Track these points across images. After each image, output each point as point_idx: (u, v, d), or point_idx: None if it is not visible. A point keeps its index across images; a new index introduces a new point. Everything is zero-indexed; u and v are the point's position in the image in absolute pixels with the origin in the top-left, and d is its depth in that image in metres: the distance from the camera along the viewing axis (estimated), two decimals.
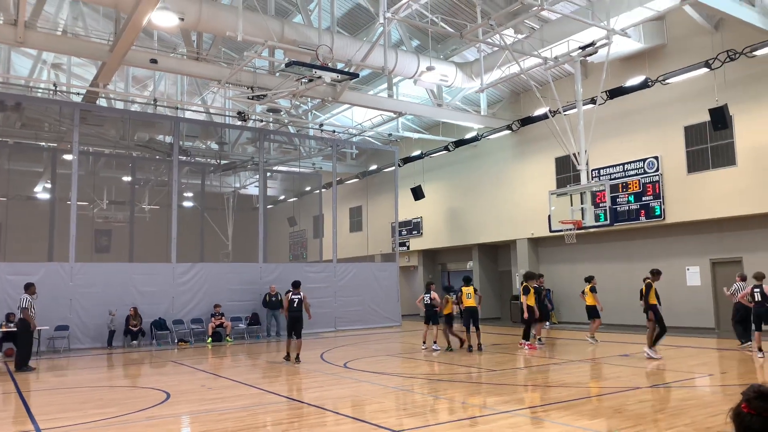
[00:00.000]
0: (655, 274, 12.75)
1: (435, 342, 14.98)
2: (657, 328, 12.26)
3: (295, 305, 13.37)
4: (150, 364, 14.29)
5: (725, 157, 16.70)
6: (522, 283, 15.14)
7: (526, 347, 14.32)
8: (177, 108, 23.05)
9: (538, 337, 15.25)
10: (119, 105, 22.46)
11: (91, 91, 18.00)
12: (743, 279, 13.86)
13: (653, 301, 12.35)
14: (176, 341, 17.93)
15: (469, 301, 14.49)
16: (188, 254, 22.84)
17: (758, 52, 14.95)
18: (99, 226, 27.71)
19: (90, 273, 17.62)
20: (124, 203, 27.84)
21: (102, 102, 21.34)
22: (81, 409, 8.57)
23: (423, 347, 15.10)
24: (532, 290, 14.74)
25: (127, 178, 27.40)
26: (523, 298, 14.63)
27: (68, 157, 20.90)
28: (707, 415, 7.24)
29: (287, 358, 13.43)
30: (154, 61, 15.64)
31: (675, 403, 8.24)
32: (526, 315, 14.50)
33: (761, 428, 2.01)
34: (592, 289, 15.60)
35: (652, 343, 12.25)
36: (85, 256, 20.70)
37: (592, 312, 15.58)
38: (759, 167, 15.94)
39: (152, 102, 19.38)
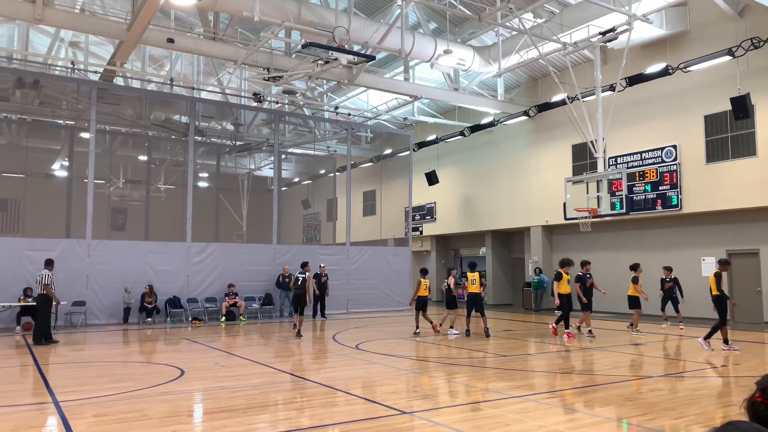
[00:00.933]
0: (723, 264, 12.15)
1: (452, 327, 15.05)
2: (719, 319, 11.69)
3: (299, 283, 14.47)
4: (164, 341, 14.49)
5: (746, 147, 16.45)
6: (557, 270, 14.65)
7: (565, 335, 13.73)
8: (193, 88, 23.11)
9: (588, 327, 14.40)
10: (136, 84, 22.57)
11: (109, 70, 18.08)
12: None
13: (716, 291, 11.81)
14: (190, 319, 18.16)
15: (474, 287, 14.39)
16: (203, 234, 23.04)
17: None
18: (115, 204, 27.98)
19: (106, 250, 17.84)
20: (140, 182, 28.07)
21: (119, 81, 21.46)
22: (96, 383, 8.72)
23: (454, 331, 15.00)
24: (565, 277, 14.07)
25: (143, 158, 27.58)
26: (555, 285, 14.06)
27: (85, 135, 21.10)
28: (719, 405, 7.21)
29: (298, 333, 14.38)
30: (170, 40, 15.66)
31: (686, 392, 8.21)
32: (557, 302, 14.03)
33: None
34: (634, 280, 14.74)
35: (708, 334, 11.75)
36: (101, 233, 20.95)
37: (633, 302, 14.79)
38: None
39: (168, 82, 19.45)
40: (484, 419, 6.61)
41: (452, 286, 15.43)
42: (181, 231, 19.54)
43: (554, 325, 14.30)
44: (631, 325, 14.82)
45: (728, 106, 15.45)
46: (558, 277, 14.14)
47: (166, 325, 17.47)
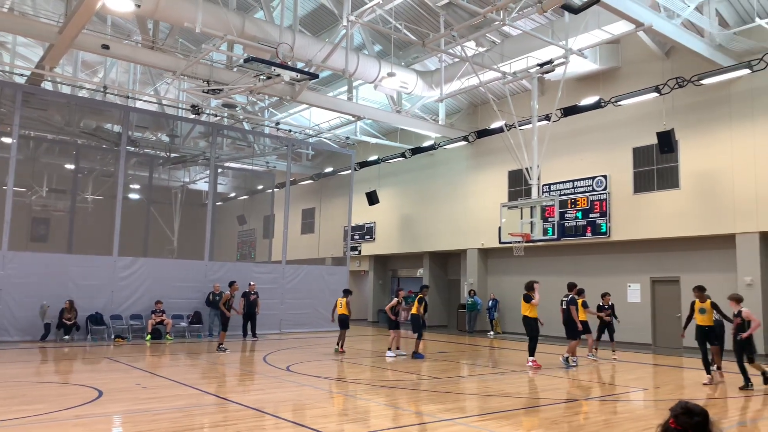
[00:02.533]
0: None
1: (398, 347, 14.93)
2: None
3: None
4: (83, 360, 13.70)
5: (670, 179, 17.31)
6: (568, 294, 13.95)
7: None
8: (128, 97, 22.32)
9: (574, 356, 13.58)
10: (66, 90, 21.58)
11: (36, 73, 17.24)
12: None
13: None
14: (113, 337, 17.28)
15: (413, 309, 14.83)
16: (131, 248, 22.12)
17: (705, 81, 15.57)
18: (37, 214, 26.54)
19: (23, 262, 16.80)
20: (65, 192, 26.74)
21: (47, 85, 20.46)
22: (4, 405, 8.09)
23: (402, 354, 14.83)
24: (580, 302, 13.72)
25: (70, 166, 26.34)
26: (573, 313, 13.46)
27: (7, 140, 19.92)
28: (639, 429, 7.40)
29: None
30: (105, 46, 15.08)
31: (608, 416, 8.40)
32: (580, 327, 13.59)
33: None
34: (584, 304, 14.15)
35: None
36: (19, 244, 19.76)
37: (584, 327, 14.01)
38: (700, 191, 16.59)
39: (102, 89, 18.72)
40: None
41: (397, 306, 15.19)
42: (108, 244, 18.66)
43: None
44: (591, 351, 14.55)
45: (655, 140, 16.25)
46: (573, 302, 13.67)
47: (87, 343, 16.56)
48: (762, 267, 15.58)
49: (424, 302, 14.99)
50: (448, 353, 16.16)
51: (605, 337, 14.95)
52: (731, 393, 10.33)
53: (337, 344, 15.69)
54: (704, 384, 10.79)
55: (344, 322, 15.79)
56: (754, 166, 15.59)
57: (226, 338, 15.88)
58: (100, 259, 18.29)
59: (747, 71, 14.92)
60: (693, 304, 11.14)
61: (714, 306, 11.04)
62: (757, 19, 14.59)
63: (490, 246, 22.30)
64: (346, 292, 16.30)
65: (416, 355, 14.45)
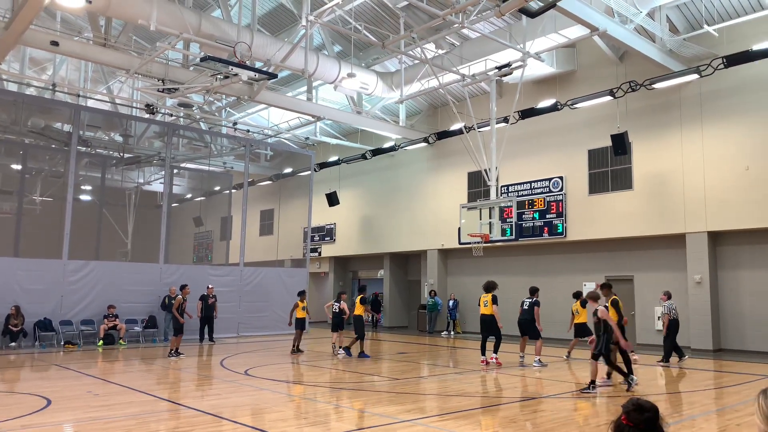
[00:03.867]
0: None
1: (341, 347, 15.07)
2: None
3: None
4: (30, 368, 13.16)
5: (623, 181, 17.76)
6: (531, 297, 13.86)
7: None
8: (78, 95, 21.57)
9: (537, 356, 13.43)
10: (12, 87, 20.75)
11: None
12: (669, 297, 13.79)
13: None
14: (62, 343, 16.67)
15: (357, 311, 15.02)
16: (82, 251, 21.37)
17: (657, 85, 16.04)
18: None
19: None
20: (11, 193, 25.67)
21: None
22: None
23: (339, 353, 15.04)
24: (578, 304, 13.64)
25: (16, 166, 25.33)
26: (537, 315, 13.48)
27: None
28: (594, 425, 7.53)
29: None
30: (55, 43, 14.54)
31: (565, 413, 8.53)
32: (541, 328, 13.61)
33: None
34: (582, 304, 13.70)
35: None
36: None
37: (584, 330, 13.60)
38: (652, 193, 17.08)
39: (50, 87, 18.05)
40: None
41: (344, 309, 15.51)
42: (57, 247, 17.99)
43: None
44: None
45: (609, 143, 16.64)
46: (537, 303, 13.69)
47: (34, 350, 15.93)
48: (710, 265, 16.13)
49: (366, 302, 15.56)
50: (408, 354, 16.18)
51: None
52: (682, 388, 10.63)
53: (294, 345, 15.66)
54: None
55: (302, 324, 15.87)
56: (702, 168, 16.13)
57: (182, 343, 15.52)
58: (48, 262, 17.61)
59: (696, 76, 15.44)
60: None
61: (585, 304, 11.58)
62: (705, 26, 15.12)
63: (450, 247, 22.45)
64: (301, 294, 16.22)
65: (362, 354, 14.77)
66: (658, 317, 14.70)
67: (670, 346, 13.57)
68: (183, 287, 16.17)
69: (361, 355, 14.76)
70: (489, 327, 13.37)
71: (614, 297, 10.68)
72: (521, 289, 20.15)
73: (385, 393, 10.03)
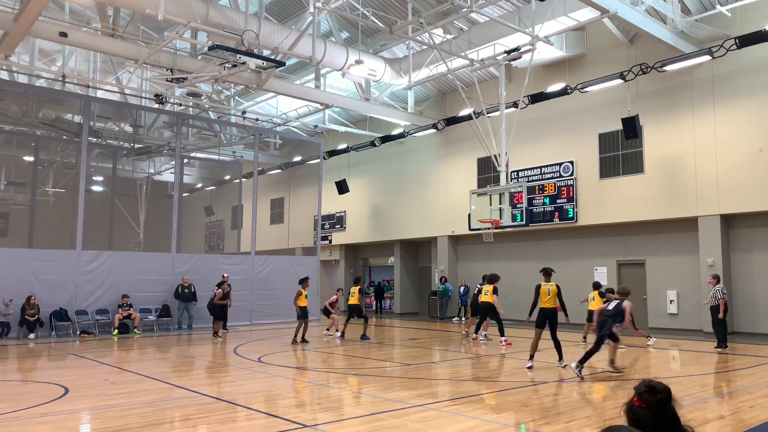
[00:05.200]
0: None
1: (337, 330, 16.50)
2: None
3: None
4: (48, 357, 13.36)
5: (634, 164, 17.62)
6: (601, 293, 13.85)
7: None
8: (88, 86, 21.68)
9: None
10: (23, 79, 20.87)
11: None
12: (718, 281, 13.31)
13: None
14: (78, 333, 16.90)
15: (352, 299, 15.99)
16: (95, 241, 21.58)
17: (668, 68, 15.85)
18: None
19: None
20: (24, 185, 25.94)
21: (2, 75, 19.77)
22: None
23: (336, 335, 16.33)
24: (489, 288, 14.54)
25: (29, 158, 25.54)
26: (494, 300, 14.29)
27: None
28: (607, 408, 7.55)
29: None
30: (63, 34, 14.61)
31: (577, 397, 8.56)
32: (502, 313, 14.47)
33: (650, 420, 2.16)
34: (601, 294, 13.85)
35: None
36: None
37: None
38: (664, 176, 16.94)
39: (60, 78, 18.13)
40: (386, 429, 6.54)
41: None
42: (71, 238, 18.18)
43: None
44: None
45: (620, 126, 16.50)
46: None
47: (51, 340, 16.16)
48: (723, 249, 16.02)
49: (362, 292, 16.71)
50: (420, 339, 16.25)
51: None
52: (695, 371, 10.62)
53: (302, 336, 15.38)
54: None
55: (305, 313, 15.63)
56: (714, 151, 15.97)
57: (196, 331, 15.76)
58: (62, 253, 17.81)
59: (708, 58, 15.24)
60: (538, 288, 11.08)
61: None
62: (718, 6, 14.90)
63: (460, 233, 22.44)
64: (303, 281, 16.17)
65: (364, 337, 15.72)
66: (705, 302, 13.32)
67: (724, 330, 13.04)
68: (221, 283, 17.34)
69: (363, 337, 15.63)
70: (487, 312, 14.75)
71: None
72: (533, 274, 20.16)
73: (397, 378, 10.10)
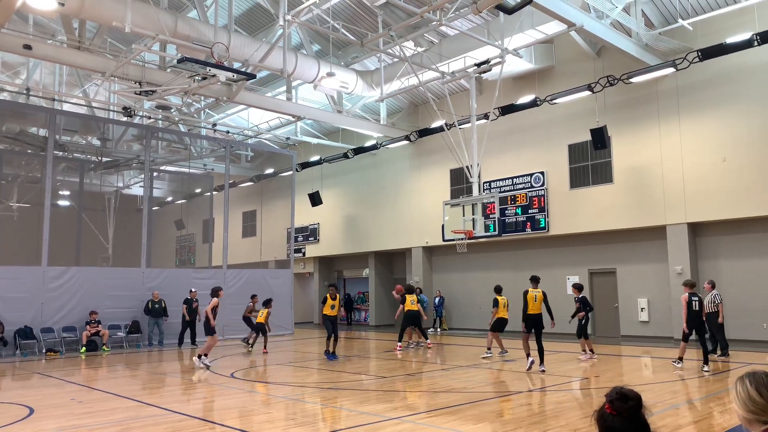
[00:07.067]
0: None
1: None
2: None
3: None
4: (12, 377, 12.94)
5: (604, 174, 17.93)
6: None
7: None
8: (54, 99, 21.25)
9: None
10: None
11: None
12: (713, 286, 13.19)
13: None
14: (44, 351, 16.42)
15: (332, 312, 14.68)
16: (62, 257, 21.07)
17: (634, 79, 16.20)
18: None
19: None
20: None
21: None
22: None
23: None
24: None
25: None
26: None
27: None
28: (580, 417, 7.60)
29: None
30: (28, 47, 14.31)
31: (552, 406, 8.60)
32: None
33: (621, 427, 2.16)
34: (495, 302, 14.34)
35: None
36: None
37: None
38: (632, 186, 17.27)
39: (24, 91, 17.76)
40: None
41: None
42: (36, 254, 17.70)
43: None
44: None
45: (589, 137, 16.79)
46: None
47: (16, 359, 15.67)
48: (690, 256, 16.35)
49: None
50: (395, 352, 16.18)
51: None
52: (665, 378, 10.78)
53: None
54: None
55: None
56: (681, 161, 16.35)
57: (167, 347, 15.33)
58: (27, 269, 17.33)
59: (672, 70, 15.62)
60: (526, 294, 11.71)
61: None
62: (679, 20, 15.31)
63: (434, 244, 22.50)
64: (268, 303, 16.62)
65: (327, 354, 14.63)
66: (705, 313, 12.58)
67: (724, 337, 12.99)
68: (219, 289, 14.35)
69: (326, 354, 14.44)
70: (414, 320, 16.12)
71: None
72: (506, 283, 20.33)
73: (372, 391, 10.03)
